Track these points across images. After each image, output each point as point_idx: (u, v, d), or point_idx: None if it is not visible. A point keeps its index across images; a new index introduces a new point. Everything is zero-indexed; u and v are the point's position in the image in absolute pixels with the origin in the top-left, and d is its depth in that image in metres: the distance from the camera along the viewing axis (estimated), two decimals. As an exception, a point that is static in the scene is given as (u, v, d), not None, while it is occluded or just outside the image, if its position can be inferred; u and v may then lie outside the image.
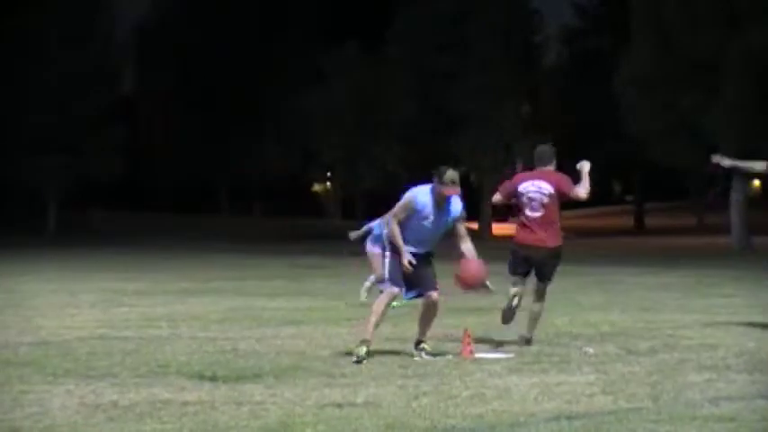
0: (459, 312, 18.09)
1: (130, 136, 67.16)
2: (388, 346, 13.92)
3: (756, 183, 76.73)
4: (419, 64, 61.50)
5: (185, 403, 10.40)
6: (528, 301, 15.02)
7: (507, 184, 15.23)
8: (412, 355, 13.03)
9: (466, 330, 13.39)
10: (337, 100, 61.64)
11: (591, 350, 13.76)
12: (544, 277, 14.36)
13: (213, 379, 11.84)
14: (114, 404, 10.33)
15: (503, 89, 60.35)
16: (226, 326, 16.93)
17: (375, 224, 15.58)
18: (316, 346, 14.14)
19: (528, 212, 14.67)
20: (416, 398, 10.38)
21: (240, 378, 11.71)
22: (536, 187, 14.78)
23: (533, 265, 14.42)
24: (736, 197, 54.39)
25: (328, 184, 74.18)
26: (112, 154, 62.93)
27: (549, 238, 14.61)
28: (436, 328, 14.83)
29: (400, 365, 12.70)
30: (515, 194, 14.68)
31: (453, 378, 11.57)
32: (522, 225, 14.94)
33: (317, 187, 77.65)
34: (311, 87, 61.97)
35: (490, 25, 61.82)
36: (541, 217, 14.71)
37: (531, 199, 14.70)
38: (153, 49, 72.30)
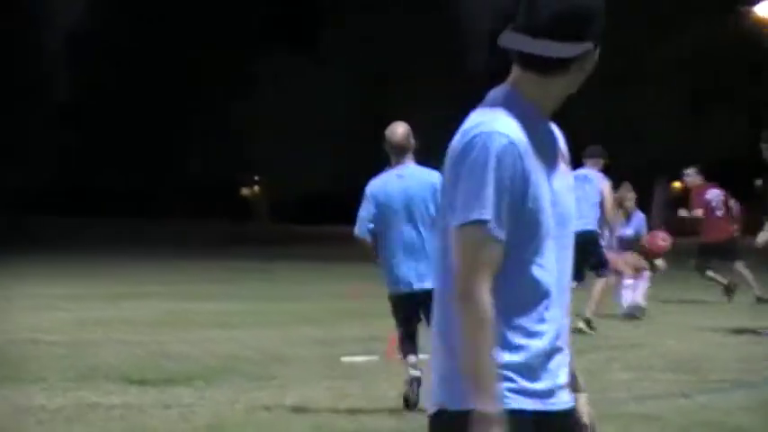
0: (386, 315, 18.07)
1: (69, 141, 67.03)
2: (317, 350, 13.87)
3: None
4: (353, 69, 61.47)
5: (112, 407, 10.39)
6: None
7: None
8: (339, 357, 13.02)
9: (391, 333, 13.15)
10: (269, 104, 61.60)
11: None
12: None
13: (142, 382, 11.81)
14: (43, 408, 10.30)
15: (430, 94, 60.67)
16: (157, 329, 16.73)
17: None
18: (246, 349, 14.04)
19: None
20: (343, 399, 10.38)
21: (169, 381, 11.67)
22: None
23: None
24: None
25: (256, 188, 74.14)
26: (47, 159, 62.90)
27: None
28: (363, 330, 14.93)
29: (327, 367, 12.67)
30: None
31: (380, 379, 11.54)
32: None
33: (245, 191, 77.41)
34: (246, 92, 61.92)
35: (417, 31, 62.36)
36: None
37: None
38: (88, 56, 71.98)
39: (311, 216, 65.22)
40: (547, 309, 3.11)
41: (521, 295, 3.08)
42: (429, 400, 3.21)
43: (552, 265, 3.14)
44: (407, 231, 9.98)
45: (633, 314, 18.62)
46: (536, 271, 3.09)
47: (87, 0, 76.77)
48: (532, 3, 3.13)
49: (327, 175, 60.48)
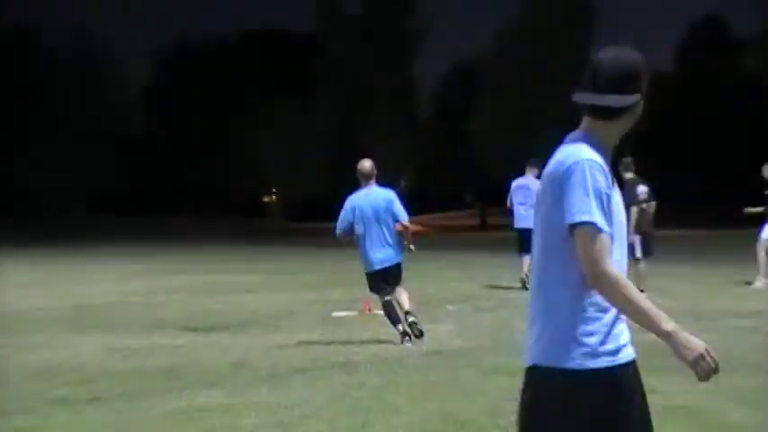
0: (362, 284, 18.11)
1: (139, 163, 67.44)
2: (314, 308, 13.70)
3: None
4: (336, 113, 61.58)
5: (175, 346, 10.38)
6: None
7: None
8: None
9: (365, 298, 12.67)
10: (281, 136, 61.61)
11: (452, 308, 13.56)
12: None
13: (194, 330, 11.78)
14: (126, 347, 10.30)
15: (390, 133, 60.69)
16: (201, 294, 16.62)
17: None
18: (263, 307, 13.93)
19: None
20: (333, 341, 10.26)
21: (212, 329, 11.63)
22: None
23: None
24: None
25: (273, 197, 74.19)
26: (121, 175, 62.97)
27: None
28: (346, 294, 15.01)
29: (321, 319, 12.43)
30: None
31: (358, 328, 11.42)
32: None
33: (265, 199, 77.44)
34: (266, 127, 62.00)
35: (384, 89, 62.35)
36: None
37: None
38: (154, 102, 72.00)
39: (309, 215, 64.48)
40: None
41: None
42: (529, 357, 3.13)
43: (617, 254, 3.10)
44: (375, 230, 10.11)
45: None
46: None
47: (153, 65, 76.93)
48: (596, 70, 3.11)
49: (320, 186, 60.12)
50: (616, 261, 3.05)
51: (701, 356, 2.90)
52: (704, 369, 2.90)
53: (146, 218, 63.94)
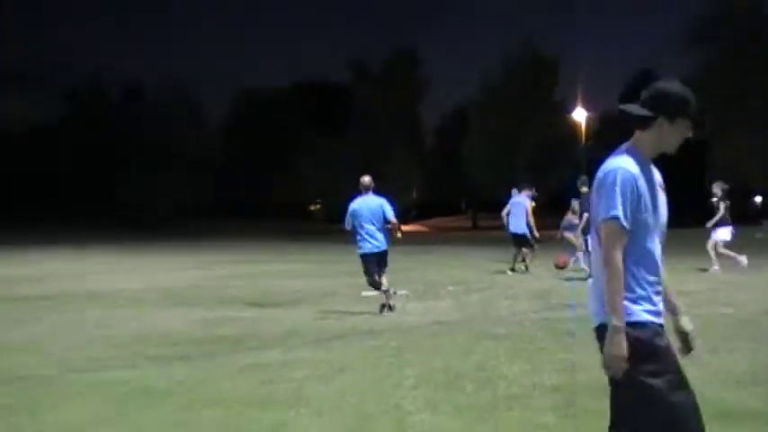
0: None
1: (221, 182, 66.72)
2: (349, 289, 13.53)
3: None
4: (363, 143, 62.20)
5: (241, 318, 10.30)
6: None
7: None
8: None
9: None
10: (321, 162, 61.89)
11: (451, 288, 13.43)
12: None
13: (256, 305, 11.63)
14: (203, 318, 10.24)
15: (406, 158, 61.10)
16: (261, 278, 16.40)
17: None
18: (310, 288, 13.78)
19: None
20: (362, 312, 10.12)
21: (268, 305, 11.50)
22: None
23: None
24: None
25: (318, 206, 74.52)
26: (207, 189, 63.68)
27: None
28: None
29: (354, 297, 12.27)
30: None
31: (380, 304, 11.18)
32: None
33: (311, 207, 77.55)
34: (310, 154, 62.64)
35: (397, 125, 62.95)
36: None
37: None
38: (230, 137, 72.00)
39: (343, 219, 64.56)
40: (654, 268, 3.08)
41: (642, 260, 3.05)
42: (593, 318, 3.13)
43: (656, 245, 3.08)
44: (368, 227, 10.31)
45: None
46: (649, 247, 3.05)
47: (230, 107, 77.13)
48: (643, 89, 3.09)
49: (350, 198, 60.07)
50: (654, 246, 3.07)
51: (621, 359, 2.93)
52: (613, 369, 2.94)
53: (222, 223, 63.91)
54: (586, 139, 43.65)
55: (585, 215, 14.45)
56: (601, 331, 3.06)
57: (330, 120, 68.24)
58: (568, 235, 17.24)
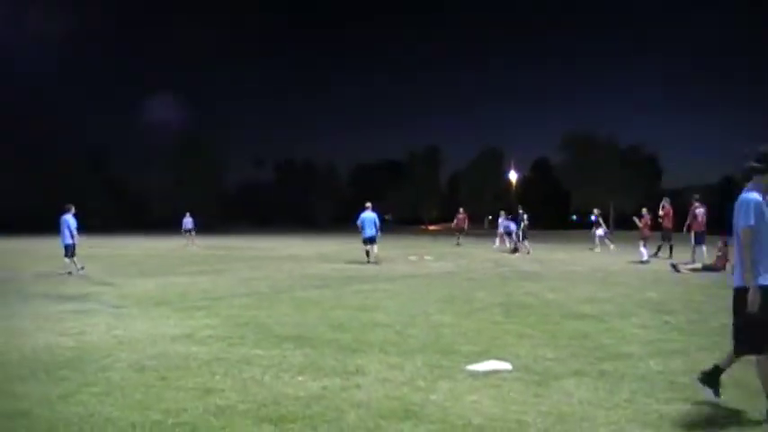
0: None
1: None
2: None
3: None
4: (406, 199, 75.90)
5: (355, 269, 13.70)
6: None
7: None
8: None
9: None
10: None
11: (449, 257, 17.30)
12: None
13: (359, 263, 15.55)
14: (332, 268, 14.31)
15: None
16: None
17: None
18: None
19: None
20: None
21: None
22: None
23: None
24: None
25: (389, 216, 79.96)
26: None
27: None
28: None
29: (404, 259, 15.68)
30: None
31: (418, 264, 15.30)
32: None
33: (387, 216, 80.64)
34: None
35: (426, 189, 77.92)
36: None
37: None
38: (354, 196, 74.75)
39: (403, 221, 75.78)
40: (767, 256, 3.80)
41: (763, 250, 3.84)
42: (735, 282, 3.91)
43: None
44: (369, 225, 16.06)
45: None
46: (764, 242, 3.85)
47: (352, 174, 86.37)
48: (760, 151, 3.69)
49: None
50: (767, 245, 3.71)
51: (757, 302, 3.68)
52: (752, 307, 3.69)
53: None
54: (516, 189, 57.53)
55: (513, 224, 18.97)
56: (739, 291, 3.76)
57: (393, 185, 79.88)
58: (501, 231, 23.40)
